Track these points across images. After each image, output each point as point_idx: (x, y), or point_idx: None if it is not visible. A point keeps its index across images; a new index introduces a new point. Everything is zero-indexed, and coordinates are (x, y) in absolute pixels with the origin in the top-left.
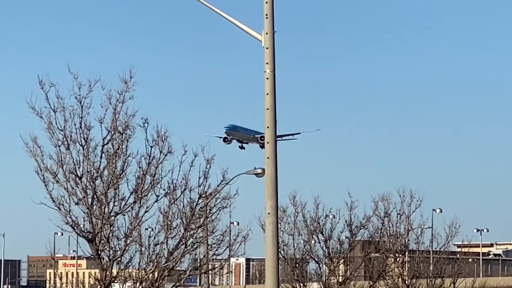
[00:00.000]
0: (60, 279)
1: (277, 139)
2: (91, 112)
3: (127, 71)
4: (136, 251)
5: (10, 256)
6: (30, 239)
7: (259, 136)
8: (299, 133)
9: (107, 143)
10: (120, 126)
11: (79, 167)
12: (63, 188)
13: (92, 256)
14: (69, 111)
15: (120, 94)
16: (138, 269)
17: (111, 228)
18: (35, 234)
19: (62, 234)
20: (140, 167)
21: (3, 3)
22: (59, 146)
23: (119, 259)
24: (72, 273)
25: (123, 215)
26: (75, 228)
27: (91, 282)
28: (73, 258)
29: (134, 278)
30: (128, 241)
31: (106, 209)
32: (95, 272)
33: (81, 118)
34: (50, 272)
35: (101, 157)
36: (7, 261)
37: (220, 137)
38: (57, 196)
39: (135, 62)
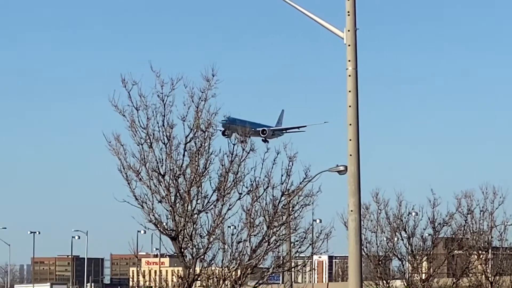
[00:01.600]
0: (144, 277)
1: (284, 131)
2: (173, 110)
3: (209, 69)
4: (219, 249)
5: (93, 254)
6: (113, 237)
7: (261, 129)
8: (305, 126)
9: (190, 141)
10: (203, 124)
11: (162, 165)
12: (146, 186)
13: (175, 254)
14: (151, 109)
15: (202, 92)
16: (221, 267)
17: (194, 226)
18: (118, 232)
19: (145, 232)
20: (222, 165)
21: (87, 3)
22: (142, 144)
23: (202, 257)
24: (155, 271)
25: (206, 213)
26: (158, 226)
27: (174, 280)
28: (156, 256)
29: (217, 276)
30: (211, 239)
31: (189, 207)
32: (177, 270)
33: (164, 116)
34: (133, 270)
35: (183, 155)
36: (90, 259)
37: (220, 130)
38: (140, 194)
39: (217, 59)
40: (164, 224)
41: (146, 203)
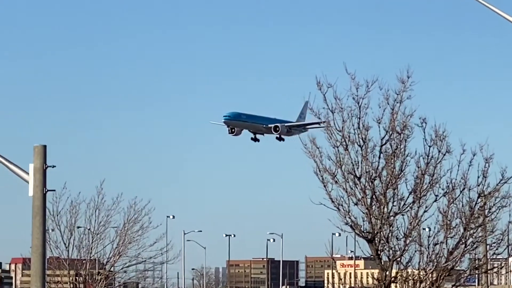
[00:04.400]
0: (340, 279)
1: (304, 128)
2: (368, 113)
3: (404, 71)
4: (415, 251)
5: (288, 256)
6: (308, 240)
7: (273, 125)
8: (324, 121)
9: (385, 143)
10: (398, 126)
11: (357, 168)
12: (342, 188)
13: (370, 256)
14: (347, 112)
15: (397, 94)
16: (418, 269)
17: (391, 228)
18: (313, 235)
19: (339, 235)
20: (418, 167)
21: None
22: (337, 147)
23: (399, 259)
24: (350, 273)
25: (402, 215)
26: (355, 228)
27: (370, 282)
28: (350, 258)
29: (414, 279)
30: (408, 241)
31: (385, 209)
32: (372, 273)
33: (359, 118)
34: (328, 273)
35: (379, 158)
36: (285, 261)
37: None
38: (336, 196)
39: (411, 61)
40: (361, 226)
41: (342, 205)
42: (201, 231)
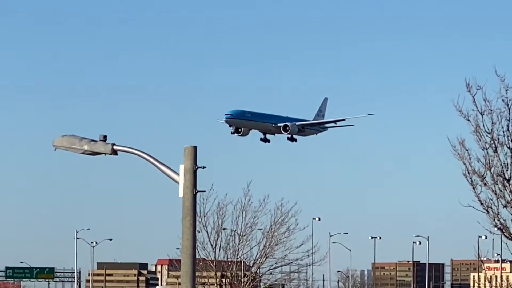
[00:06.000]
0: (489, 281)
1: (321, 126)
2: None
3: None
4: None
5: (434, 259)
6: (453, 243)
7: (282, 125)
8: (344, 119)
9: None
10: None
11: (507, 170)
12: (491, 191)
13: None
14: (496, 114)
15: None
16: None
17: None
18: (459, 238)
19: (486, 237)
20: None
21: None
22: (486, 149)
23: None
24: (496, 276)
25: None
26: (504, 231)
27: None
28: (496, 261)
29: None
30: None
31: None
32: None
33: (509, 120)
34: (473, 276)
35: None
36: (431, 264)
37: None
38: (485, 198)
39: None
40: (509, 229)
41: (491, 207)
42: (347, 233)
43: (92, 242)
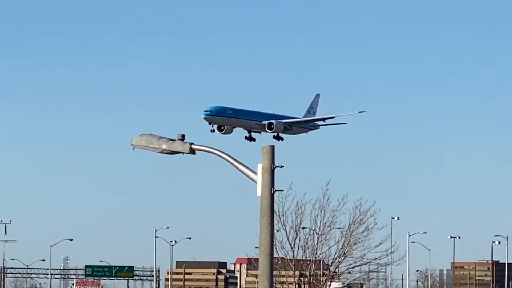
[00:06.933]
0: None
1: (312, 124)
2: None
3: None
4: None
5: None
6: None
7: (267, 122)
8: (333, 117)
9: None
10: None
11: None
12: None
13: None
14: None
15: None
16: None
17: None
18: None
19: None
20: None
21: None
22: None
23: None
24: None
25: None
26: None
27: None
28: None
29: None
30: None
31: None
32: None
33: None
34: None
35: None
36: (510, 264)
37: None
38: None
39: None
40: None
41: None
42: (426, 232)
43: (171, 241)
